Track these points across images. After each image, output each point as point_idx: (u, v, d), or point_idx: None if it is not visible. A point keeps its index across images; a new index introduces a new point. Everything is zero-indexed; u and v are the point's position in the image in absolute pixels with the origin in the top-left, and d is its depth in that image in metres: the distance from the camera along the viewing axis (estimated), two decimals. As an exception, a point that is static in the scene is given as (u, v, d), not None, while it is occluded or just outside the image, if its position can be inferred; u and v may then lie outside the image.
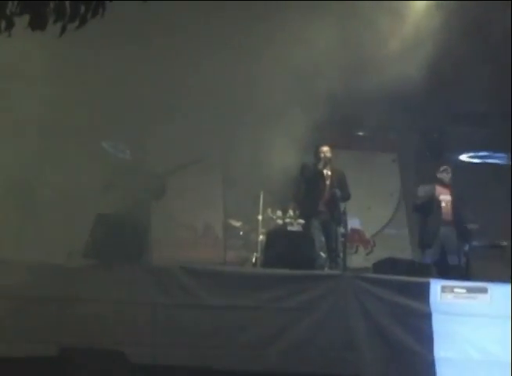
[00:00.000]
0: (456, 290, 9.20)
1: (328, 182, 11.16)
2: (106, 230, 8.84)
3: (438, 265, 11.00)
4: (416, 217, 12.12)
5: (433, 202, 11.36)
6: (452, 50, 11.05)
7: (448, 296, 9.14)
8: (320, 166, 11.16)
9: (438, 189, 11.53)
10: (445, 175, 11.57)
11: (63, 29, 3.91)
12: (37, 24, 3.89)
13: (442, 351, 8.81)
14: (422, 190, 11.60)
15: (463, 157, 15.28)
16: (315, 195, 11.15)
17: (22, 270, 8.29)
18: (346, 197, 11.14)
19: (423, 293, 9.08)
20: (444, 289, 9.15)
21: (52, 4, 3.84)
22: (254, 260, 11.40)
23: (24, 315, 8.13)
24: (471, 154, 15.22)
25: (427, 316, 8.95)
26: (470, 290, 9.19)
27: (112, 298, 8.40)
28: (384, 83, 10.95)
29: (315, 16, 10.61)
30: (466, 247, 11.29)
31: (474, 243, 11.56)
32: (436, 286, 9.14)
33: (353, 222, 13.68)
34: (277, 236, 10.48)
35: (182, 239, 13.81)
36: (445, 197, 11.49)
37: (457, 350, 8.83)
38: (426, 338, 8.83)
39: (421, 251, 11.57)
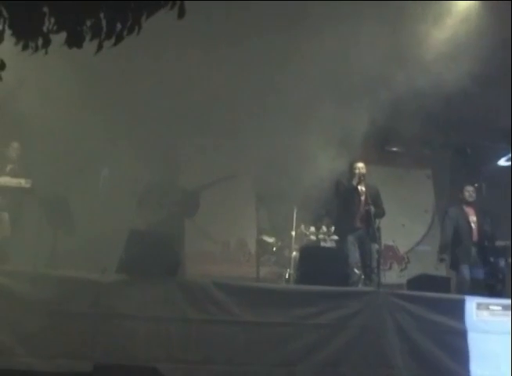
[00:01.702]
0: (491, 307, 9.12)
1: (362, 198, 11.10)
2: (140, 246, 8.85)
3: (472, 282, 10.91)
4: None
5: (464, 224, 11.31)
6: (488, 63, 10.91)
7: (484, 313, 9.06)
8: (355, 182, 11.12)
9: (465, 209, 11.47)
10: (467, 194, 11.51)
11: (100, 46, 3.95)
12: (74, 42, 3.92)
13: (478, 369, 8.71)
14: (452, 212, 11.55)
15: (499, 173, 15.10)
16: (349, 211, 11.10)
17: (56, 285, 8.32)
18: (381, 214, 11.09)
19: (458, 310, 9.01)
20: (479, 306, 9.08)
21: (88, 22, 3.88)
22: (287, 276, 11.36)
23: (58, 330, 8.14)
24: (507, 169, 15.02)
25: (463, 334, 8.87)
26: (505, 307, 9.09)
27: (145, 314, 8.39)
28: (418, 98, 10.91)
29: (349, 30, 10.56)
30: (502, 264, 11.17)
31: (510, 260, 11.43)
32: (471, 303, 9.08)
33: (387, 239, 13.64)
34: (310, 252, 10.42)
35: (215, 254, 13.83)
36: (472, 218, 11.43)
37: (493, 368, 8.72)
38: (461, 355, 8.75)
39: (454, 270, 11.43)
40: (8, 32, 3.94)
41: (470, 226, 11.34)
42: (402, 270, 14.74)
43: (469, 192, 11.55)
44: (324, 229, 11.77)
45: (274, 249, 12.15)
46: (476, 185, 11.69)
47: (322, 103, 10.76)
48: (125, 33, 3.87)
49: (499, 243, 11.29)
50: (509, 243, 11.26)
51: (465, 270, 11.02)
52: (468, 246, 11.18)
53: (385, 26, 10.40)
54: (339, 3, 10.01)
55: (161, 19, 4.12)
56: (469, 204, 11.54)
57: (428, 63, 11.20)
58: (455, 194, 11.91)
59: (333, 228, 11.59)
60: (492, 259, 11.15)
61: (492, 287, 10.77)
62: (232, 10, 10.41)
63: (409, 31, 10.88)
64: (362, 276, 10.80)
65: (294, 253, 11.33)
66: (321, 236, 11.69)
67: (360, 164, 11.20)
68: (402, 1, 10.29)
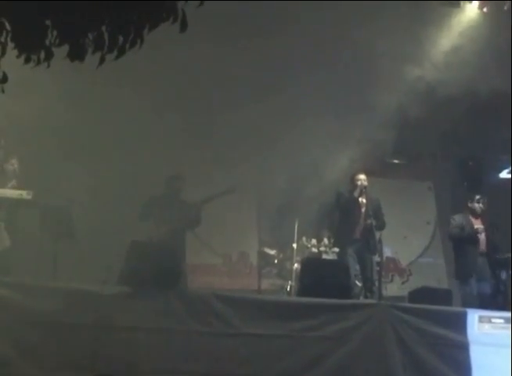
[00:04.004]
0: (493, 320, 9.09)
1: (363, 211, 11.06)
2: (141, 258, 8.84)
3: (474, 294, 10.88)
4: (451, 248, 11.92)
5: (470, 232, 11.23)
6: (490, 75, 10.90)
7: (486, 326, 9.03)
8: (356, 194, 11.06)
9: (471, 219, 11.42)
10: (477, 205, 11.43)
11: (102, 60, 3.96)
12: (76, 55, 3.93)
13: (480, 382, 8.69)
14: (458, 220, 11.48)
15: (500, 184, 15.08)
16: (350, 223, 11.07)
17: (57, 297, 8.31)
18: (381, 226, 11.02)
19: (459, 323, 8.98)
20: (481, 319, 9.05)
21: (90, 35, 3.89)
22: (288, 288, 11.36)
23: (59, 341, 8.14)
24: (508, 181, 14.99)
25: (464, 347, 8.84)
26: (507, 320, 9.06)
27: (146, 326, 8.38)
28: (420, 110, 10.92)
29: (347, 39, 10.56)
30: (504, 276, 11.15)
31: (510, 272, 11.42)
32: (473, 316, 9.05)
33: (389, 251, 13.63)
34: (312, 264, 10.41)
35: (217, 267, 13.82)
36: (479, 227, 11.35)
37: (495, 382, 8.70)
38: (463, 368, 8.72)
39: (459, 282, 11.37)
40: (10, 45, 3.95)
41: (476, 236, 11.26)
42: (403, 283, 14.73)
43: (478, 201, 11.43)
44: (326, 241, 11.77)
45: (275, 261, 12.16)
46: (478, 197, 11.61)
47: (324, 115, 10.77)
48: (127, 46, 3.89)
49: (500, 255, 11.26)
50: (509, 255, 11.23)
51: (471, 281, 10.97)
52: (474, 256, 11.11)
53: (385, 36, 10.41)
54: (341, 4, 10.04)
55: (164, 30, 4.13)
56: (475, 214, 11.46)
57: (429, 76, 11.22)
58: (463, 203, 11.76)
59: (333, 240, 11.59)
60: (497, 272, 11.13)
61: (494, 300, 10.76)
62: (237, 14, 10.44)
63: (410, 43, 10.90)
64: (363, 289, 10.80)
65: (296, 265, 11.33)
66: (322, 248, 11.69)
67: (362, 176, 11.13)
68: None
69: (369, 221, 10.74)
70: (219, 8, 8.85)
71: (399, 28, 10.41)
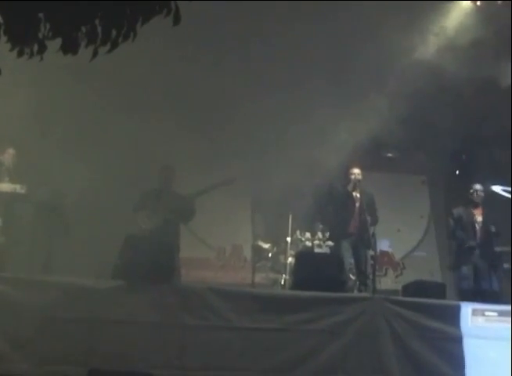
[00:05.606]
0: (486, 313, 9.10)
1: (357, 205, 11.06)
2: (135, 252, 8.84)
3: (468, 287, 10.91)
4: (444, 241, 11.93)
5: (470, 224, 11.23)
6: (485, 68, 10.90)
7: (479, 319, 9.04)
8: (350, 188, 11.06)
9: (472, 210, 11.39)
10: (476, 195, 11.40)
11: (95, 53, 3.95)
12: (69, 48, 3.92)
13: (474, 375, 8.69)
14: (457, 213, 11.46)
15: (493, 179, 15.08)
16: (344, 217, 11.07)
17: (51, 291, 8.31)
18: (374, 221, 10.99)
19: (453, 316, 9.00)
20: (474, 312, 9.06)
21: (83, 28, 3.88)
22: (282, 282, 11.36)
23: (53, 336, 8.13)
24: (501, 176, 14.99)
25: (458, 340, 8.86)
26: (501, 313, 9.08)
27: (140, 320, 8.38)
28: (414, 103, 10.92)
29: (343, 33, 10.55)
30: (498, 269, 11.16)
31: (506, 265, 11.43)
32: (466, 309, 9.06)
33: (383, 245, 13.63)
34: (306, 258, 10.42)
35: (211, 260, 13.83)
36: (477, 219, 11.33)
37: (489, 375, 8.71)
38: (456, 362, 8.73)
39: (453, 273, 11.39)
40: (3, 38, 3.94)
41: (474, 227, 11.24)
42: (397, 276, 14.75)
43: (476, 192, 11.41)
44: (319, 235, 11.76)
45: (269, 255, 12.14)
46: (471, 191, 11.59)
47: (319, 109, 10.77)
48: (120, 39, 3.88)
49: (496, 248, 11.27)
50: (505, 249, 11.25)
51: (466, 271, 10.95)
52: (471, 247, 11.09)
53: (379, 29, 10.40)
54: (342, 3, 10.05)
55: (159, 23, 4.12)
56: (476, 204, 11.42)
57: (424, 69, 11.22)
58: (463, 195, 11.75)
59: (328, 234, 11.58)
60: (493, 263, 11.12)
61: (490, 293, 10.77)
62: (235, 11, 10.43)
63: (405, 36, 10.89)
64: (357, 282, 10.82)
65: (290, 259, 11.33)
66: (316, 242, 11.69)
67: (356, 170, 11.12)
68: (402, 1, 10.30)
69: (363, 215, 10.74)
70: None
71: (392, 20, 10.42)
